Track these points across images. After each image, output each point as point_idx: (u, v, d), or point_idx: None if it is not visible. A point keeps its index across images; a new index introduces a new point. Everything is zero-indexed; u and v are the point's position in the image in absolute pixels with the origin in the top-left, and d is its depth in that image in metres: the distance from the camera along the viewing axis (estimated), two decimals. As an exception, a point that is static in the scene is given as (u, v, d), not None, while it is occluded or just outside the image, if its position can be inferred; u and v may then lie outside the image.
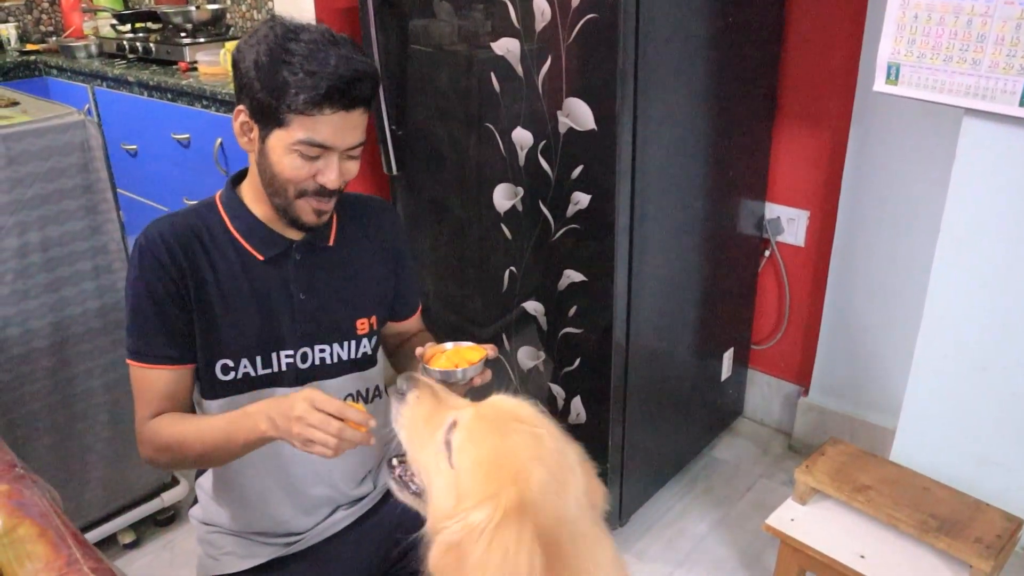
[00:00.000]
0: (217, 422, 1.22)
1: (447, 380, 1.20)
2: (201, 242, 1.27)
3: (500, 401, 1.02)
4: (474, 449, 0.95)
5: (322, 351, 1.35)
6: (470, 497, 0.91)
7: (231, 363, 1.29)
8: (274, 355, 1.31)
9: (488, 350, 1.24)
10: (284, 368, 1.32)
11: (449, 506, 0.93)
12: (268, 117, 1.18)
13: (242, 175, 1.33)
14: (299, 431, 1.09)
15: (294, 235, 1.31)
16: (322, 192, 1.22)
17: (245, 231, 1.29)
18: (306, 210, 1.24)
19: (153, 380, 1.26)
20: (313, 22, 1.20)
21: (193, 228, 1.27)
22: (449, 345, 1.28)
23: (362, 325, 1.38)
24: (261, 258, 1.29)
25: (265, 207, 1.28)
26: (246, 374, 1.30)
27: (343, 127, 1.18)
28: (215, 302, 1.26)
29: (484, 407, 1.01)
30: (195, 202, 1.33)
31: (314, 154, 1.18)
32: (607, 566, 0.94)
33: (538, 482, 0.90)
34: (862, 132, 2.14)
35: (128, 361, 1.27)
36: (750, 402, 2.70)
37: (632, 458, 2.13)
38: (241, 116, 1.22)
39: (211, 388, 1.31)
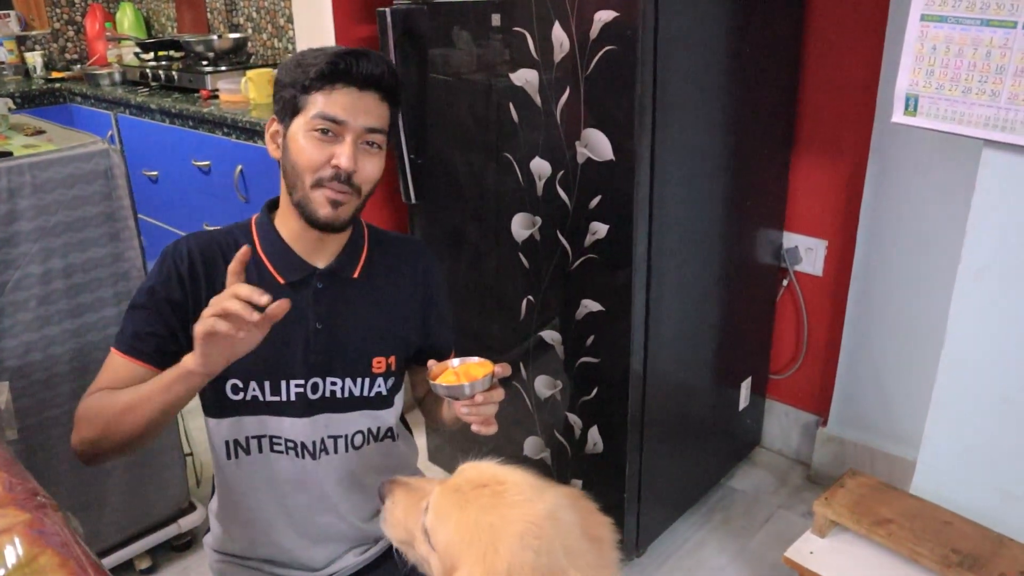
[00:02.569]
0: (152, 381, 1.16)
1: (453, 395, 1.19)
2: (225, 257, 1.27)
3: (466, 469, 1.01)
4: (442, 528, 0.96)
5: (333, 384, 1.33)
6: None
7: (240, 383, 1.29)
8: (283, 383, 1.30)
9: (496, 367, 1.22)
10: (293, 398, 1.31)
11: None
12: (290, 109, 1.23)
13: (277, 202, 1.34)
14: (206, 314, 1.04)
15: (320, 262, 1.31)
16: (338, 177, 1.22)
17: (271, 252, 1.30)
18: (321, 201, 1.23)
19: (125, 370, 1.23)
20: None
21: (221, 244, 1.29)
22: (455, 362, 1.26)
23: (379, 364, 1.36)
24: (282, 281, 1.29)
25: (292, 227, 1.29)
26: (255, 397, 1.30)
27: (356, 105, 1.21)
28: None
29: (450, 481, 1.01)
30: (233, 223, 1.36)
31: (329, 129, 1.21)
32: None
33: (507, 551, 0.89)
34: (880, 162, 2.13)
35: (112, 349, 1.26)
36: (768, 432, 2.68)
37: (649, 488, 2.12)
38: (272, 125, 1.29)
39: (219, 406, 1.30)
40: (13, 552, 0.90)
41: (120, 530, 2.11)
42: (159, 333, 1.24)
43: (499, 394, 1.23)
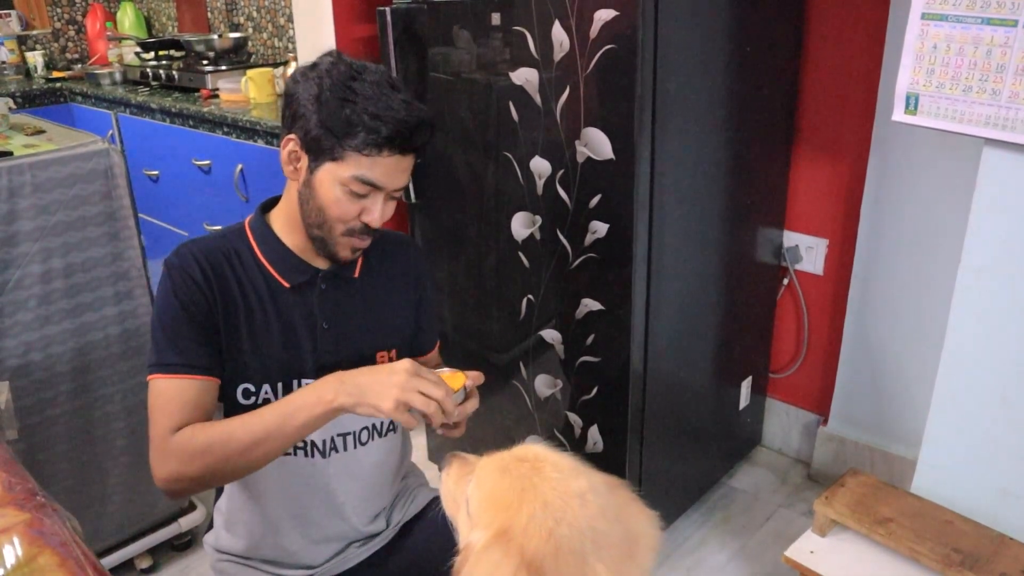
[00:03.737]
0: (265, 409, 1.18)
1: (431, 418, 1.18)
2: (231, 265, 1.27)
3: (517, 448, 1.04)
4: (479, 493, 0.98)
5: None
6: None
7: (252, 388, 1.29)
8: (295, 383, 1.31)
9: (467, 379, 1.21)
10: None
11: None
12: (322, 150, 1.19)
13: (272, 203, 1.34)
14: (402, 383, 1.11)
15: (321, 264, 1.32)
16: (365, 231, 1.25)
17: (273, 258, 1.30)
18: (346, 247, 1.26)
19: (181, 391, 1.21)
20: (369, 62, 1.23)
21: (223, 251, 1.28)
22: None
23: (382, 358, 1.38)
24: (287, 285, 1.30)
25: (295, 236, 1.29)
26: (266, 400, 1.30)
27: (396, 170, 1.21)
28: (241, 326, 1.26)
29: (497, 455, 1.03)
30: (222, 228, 1.35)
31: (363, 192, 1.20)
32: None
33: (528, 510, 0.91)
34: (881, 161, 2.13)
35: (151, 378, 1.22)
36: (768, 431, 2.68)
37: (650, 487, 2.12)
38: (291, 145, 1.23)
39: (232, 411, 1.29)
40: (12, 552, 0.90)
41: (120, 529, 2.11)
42: (204, 340, 1.24)
43: (472, 406, 1.23)
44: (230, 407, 1.30)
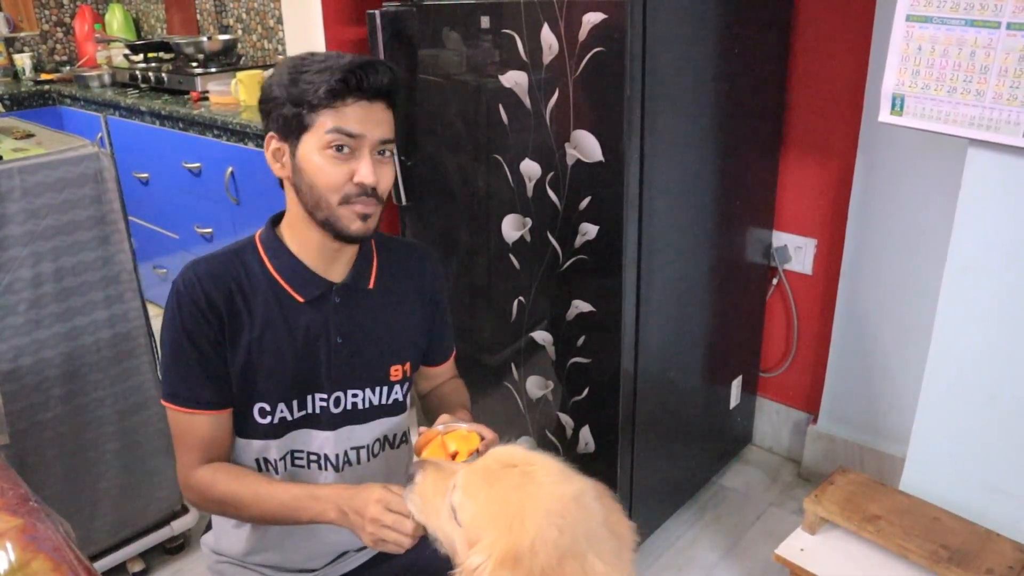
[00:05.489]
0: (280, 494, 1.24)
1: None
2: (239, 285, 1.26)
3: (495, 452, 1.04)
4: (471, 503, 0.98)
5: (355, 396, 1.34)
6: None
7: (268, 407, 1.28)
8: (309, 397, 1.31)
9: (481, 443, 1.21)
10: (318, 411, 1.32)
11: None
12: (295, 127, 1.19)
13: (281, 215, 1.33)
14: (372, 531, 1.13)
15: (335, 277, 1.31)
16: (364, 192, 1.21)
17: (285, 272, 1.28)
18: (350, 217, 1.22)
19: (195, 425, 1.26)
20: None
21: (232, 271, 1.27)
22: (441, 426, 1.24)
23: (396, 371, 1.37)
24: (301, 300, 1.28)
25: (306, 245, 1.28)
26: (282, 418, 1.30)
27: (367, 118, 1.19)
28: (253, 347, 1.26)
29: (478, 462, 1.04)
30: (234, 242, 1.32)
31: (345, 145, 1.18)
32: None
33: (533, 526, 0.91)
34: (868, 161, 2.15)
35: (164, 403, 1.27)
36: (759, 430, 2.70)
37: (641, 487, 2.13)
38: (272, 143, 1.24)
39: (247, 429, 1.30)
40: (5, 558, 0.90)
41: (112, 533, 2.11)
42: (211, 375, 1.25)
43: None
44: (249, 426, 1.29)
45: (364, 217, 1.23)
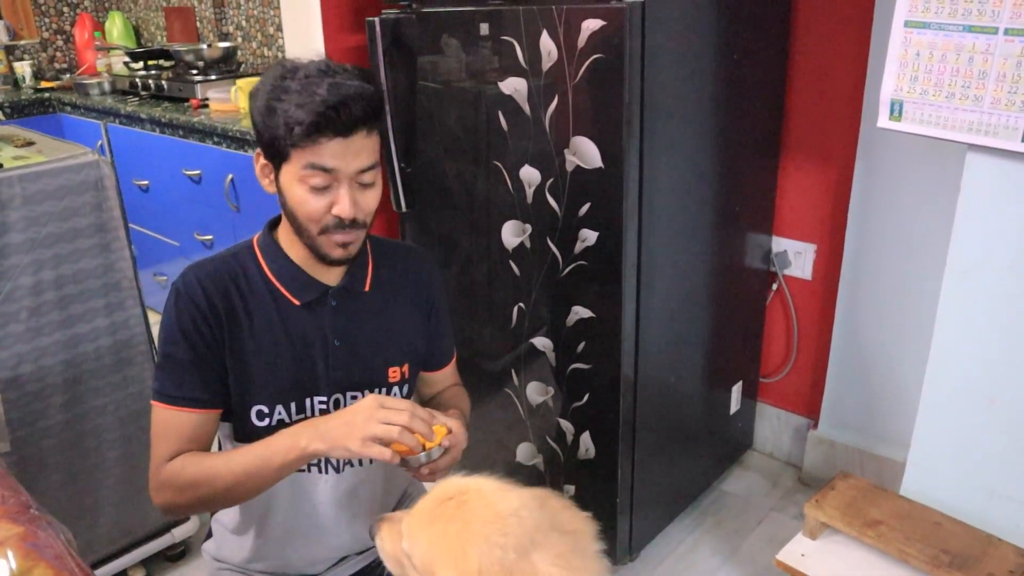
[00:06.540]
0: (249, 448, 1.21)
1: (408, 464, 1.18)
2: (238, 287, 1.26)
3: (434, 489, 1.05)
4: (417, 547, 1.00)
5: (353, 398, 1.33)
6: None
7: (266, 409, 1.28)
8: (307, 400, 1.31)
9: (445, 438, 1.19)
10: (317, 414, 1.31)
11: None
12: (275, 155, 1.19)
13: (279, 219, 1.32)
14: (368, 415, 1.12)
15: (331, 280, 1.31)
16: (341, 225, 1.20)
17: (281, 276, 1.28)
18: (330, 245, 1.22)
19: (179, 422, 1.24)
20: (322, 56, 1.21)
21: (230, 273, 1.27)
22: None
23: (394, 373, 1.37)
24: (297, 303, 1.29)
25: (300, 250, 1.28)
26: (281, 421, 1.29)
27: (345, 152, 1.16)
28: (251, 348, 1.26)
29: (418, 504, 1.05)
30: (232, 245, 1.33)
31: (322, 183, 1.16)
32: None
33: (475, 553, 0.92)
34: (867, 166, 2.15)
35: (153, 402, 1.25)
36: (759, 435, 2.70)
37: (642, 492, 2.13)
38: (260, 160, 1.24)
39: (245, 432, 1.30)
40: (7, 566, 0.90)
41: (114, 541, 2.10)
42: (204, 374, 1.25)
43: (447, 463, 1.22)
44: (247, 430, 1.29)
45: (344, 245, 1.23)
